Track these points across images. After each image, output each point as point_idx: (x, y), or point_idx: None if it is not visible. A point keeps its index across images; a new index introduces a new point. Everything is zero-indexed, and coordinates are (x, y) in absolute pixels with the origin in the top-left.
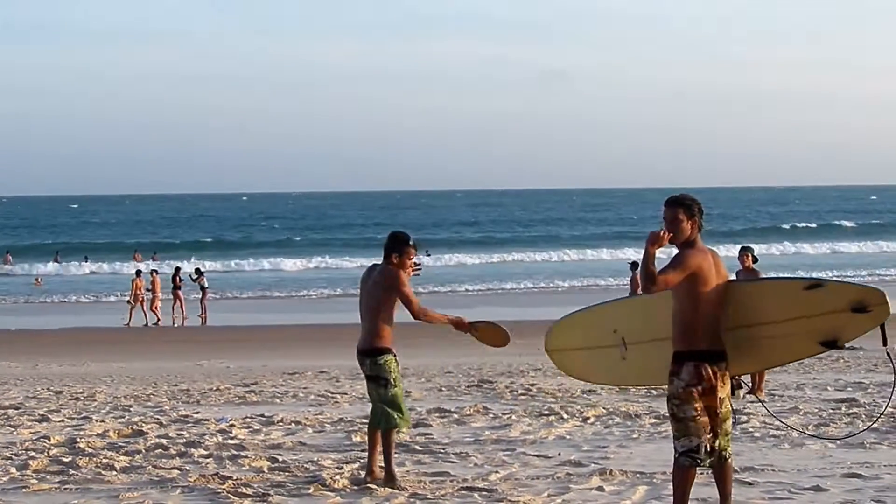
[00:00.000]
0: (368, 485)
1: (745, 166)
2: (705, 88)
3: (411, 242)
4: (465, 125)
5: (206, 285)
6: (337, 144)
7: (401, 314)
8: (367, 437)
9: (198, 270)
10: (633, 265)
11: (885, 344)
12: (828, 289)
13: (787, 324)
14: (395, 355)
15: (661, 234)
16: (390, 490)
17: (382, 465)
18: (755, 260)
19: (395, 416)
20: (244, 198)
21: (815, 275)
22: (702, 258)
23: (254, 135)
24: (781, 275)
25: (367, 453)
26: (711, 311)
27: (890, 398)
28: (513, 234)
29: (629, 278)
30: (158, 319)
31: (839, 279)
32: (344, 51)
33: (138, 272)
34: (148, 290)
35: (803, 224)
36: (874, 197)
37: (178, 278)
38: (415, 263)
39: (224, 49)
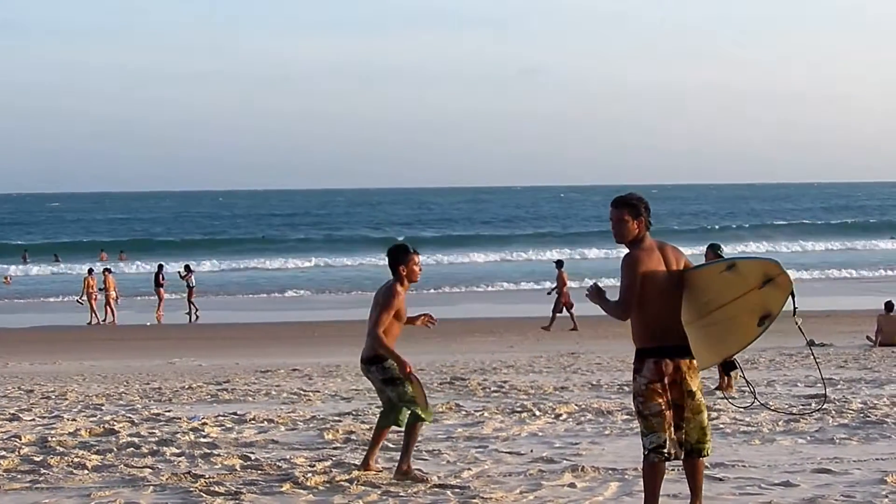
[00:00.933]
0: (360, 475)
1: (716, 163)
2: (676, 85)
3: (412, 250)
4: (434, 120)
5: (194, 284)
6: (303, 141)
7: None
8: (368, 434)
9: (187, 267)
10: (559, 263)
11: (794, 312)
12: (740, 267)
13: (731, 305)
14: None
15: (590, 291)
16: (364, 485)
17: (381, 461)
18: (719, 256)
19: (420, 410)
20: (220, 198)
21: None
22: (646, 257)
23: (231, 132)
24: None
25: (336, 449)
26: (665, 307)
27: (818, 370)
28: (475, 233)
29: (556, 276)
30: (108, 317)
31: (743, 255)
32: (313, 46)
33: (90, 270)
34: (101, 288)
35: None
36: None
37: (161, 276)
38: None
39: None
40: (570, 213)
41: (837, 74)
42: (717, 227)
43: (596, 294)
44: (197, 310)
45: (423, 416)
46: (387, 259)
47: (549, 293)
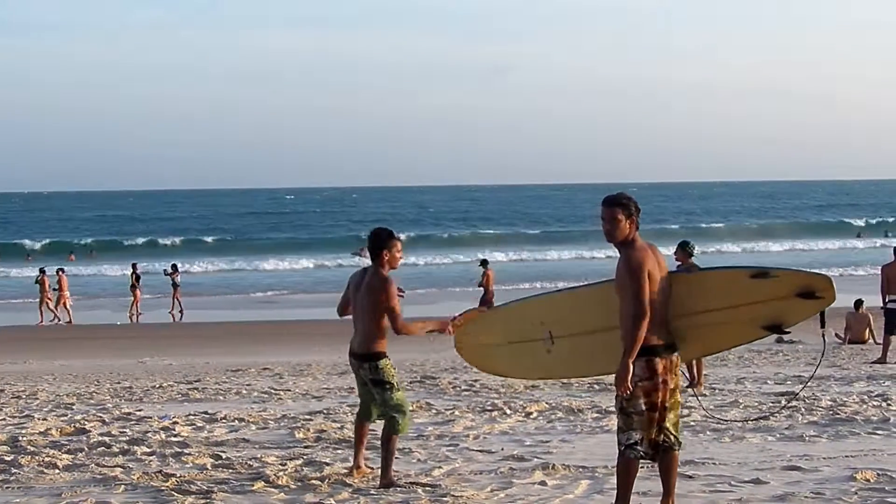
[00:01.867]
0: (352, 479)
1: (687, 161)
2: (648, 83)
3: (396, 235)
4: (405, 119)
5: (179, 282)
6: (274, 139)
7: None
8: (351, 433)
9: (174, 266)
10: (484, 262)
11: (822, 326)
12: (777, 277)
13: (730, 311)
14: (389, 358)
15: (623, 381)
16: (334, 484)
17: (368, 461)
18: (690, 255)
19: (400, 420)
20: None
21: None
22: (644, 256)
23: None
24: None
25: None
26: (658, 306)
27: (815, 368)
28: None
29: (482, 273)
30: (58, 318)
31: (786, 267)
32: (283, 42)
33: (42, 270)
34: (55, 289)
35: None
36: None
37: (134, 276)
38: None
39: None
40: (539, 210)
41: (819, 74)
42: (702, 224)
43: (625, 370)
44: (182, 308)
45: (402, 426)
46: (368, 243)
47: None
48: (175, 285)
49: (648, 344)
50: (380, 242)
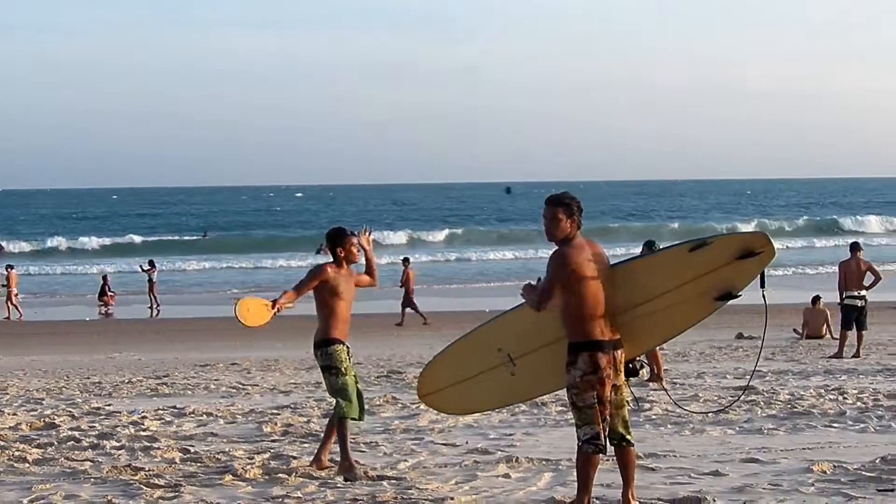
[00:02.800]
0: (311, 471)
1: (655, 160)
2: (616, 84)
3: (349, 232)
4: (373, 118)
5: (155, 278)
6: (240, 137)
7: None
8: (318, 427)
9: (150, 262)
10: (405, 260)
11: (762, 286)
12: (713, 245)
13: (680, 290)
14: (346, 346)
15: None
16: (301, 477)
17: (332, 455)
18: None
19: (344, 405)
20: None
21: None
22: (576, 254)
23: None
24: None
25: (274, 442)
26: (598, 301)
27: (762, 338)
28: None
29: (402, 271)
30: (9, 315)
31: (719, 234)
32: (253, 43)
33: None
34: (3, 285)
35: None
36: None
37: (106, 287)
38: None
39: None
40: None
41: (773, 75)
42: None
43: (528, 291)
44: (158, 304)
45: (346, 410)
46: (325, 241)
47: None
48: (151, 281)
49: (593, 338)
50: (333, 240)
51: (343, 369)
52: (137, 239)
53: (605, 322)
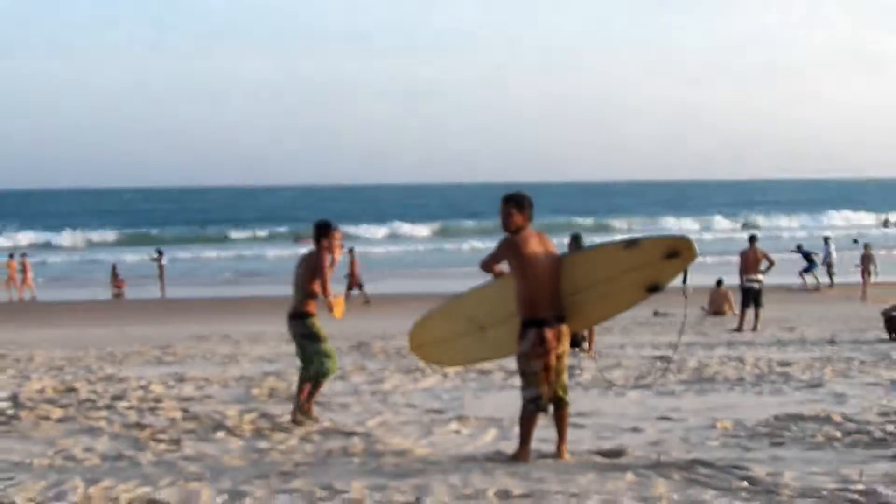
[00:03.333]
0: (300, 422)
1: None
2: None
3: (334, 226)
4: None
5: (164, 263)
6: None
7: None
8: (264, 389)
9: (158, 251)
10: (350, 250)
11: (685, 281)
12: (644, 245)
13: (616, 279)
14: (318, 317)
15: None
16: (284, 432)
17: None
18: (580, 245)
19: (327, 363)
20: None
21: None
22: (523, 243)
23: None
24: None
25: (261, 403)
26: (545, 284)
27: (682, 327)
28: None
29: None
30: (22, 297)
31: (650, 235)
32: (230, 63)
33: (11, 255)
34: (20, 271)
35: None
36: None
37: (115, 275)
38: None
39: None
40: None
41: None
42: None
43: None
44: (164, 286)
45: (330, 367)
46: (313, 231)
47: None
48: (161, 266)
49: (539, 316)
50: (321, 232)
51: (323, 336)
52: (153, 231)
53: (550, 302)
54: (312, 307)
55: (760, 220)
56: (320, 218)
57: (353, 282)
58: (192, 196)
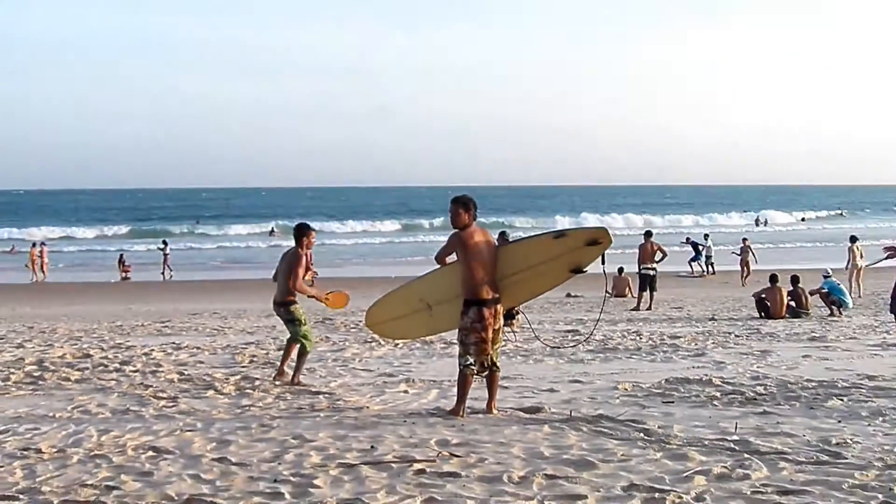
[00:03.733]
0: (275, 381)
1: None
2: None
3: (312, 228)
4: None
5: (168, 252)
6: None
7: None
8: (274, 358)
9: (164, 242)
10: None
11: (603, 263)
12: (570, 235)
13: (546, 264)
14: (298, 304)
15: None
16: (262, 392)
17: (289, 370)
18: (507, 240)
19: (306, 344)
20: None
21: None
22: (469, 237)
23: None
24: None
25: (244, 368)
26: (485, 270)
27: (601, 309)
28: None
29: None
30: (37, 279)
31: (575, 227)
32: (197, 87)
33: (34, 244)
34: (38, 255)
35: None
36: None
37: (122, 261)
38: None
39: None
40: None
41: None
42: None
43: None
44: (171, 271)
45: (307, 347)
46: (293, 232)
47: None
48: (165, 255)
49: (480, 297)
50: (300, 232)
51: (302, 320)
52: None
53: (489, 285)
54: (293, 296)
55: (657, 219)
56: (299, 221)
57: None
58: (189, 195)
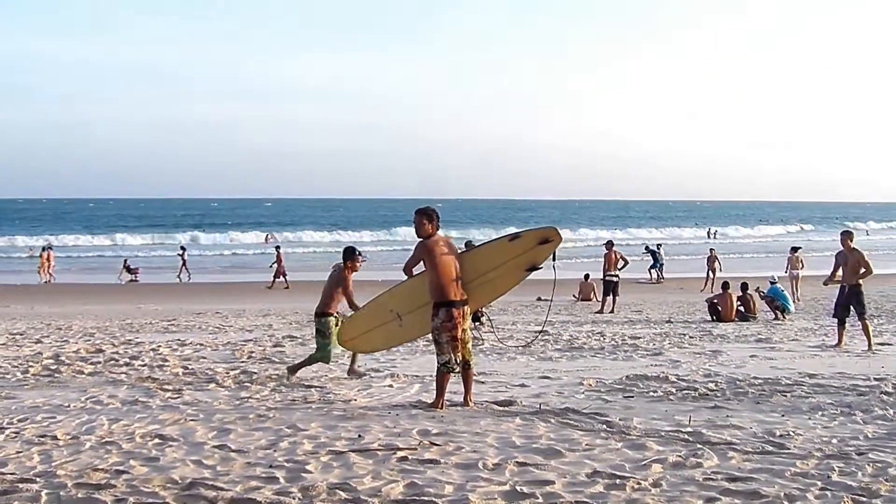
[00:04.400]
0: (282, 379)
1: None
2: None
3: (358, 252)
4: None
5: (186, 258)
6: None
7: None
8: (270, 354)
9: (182, 248)
10: (277, 247)
11: (553, 259)
12: (523, 237)
13: (504, 266)
14: (336, 317)
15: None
16: (260, 385)
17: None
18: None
19: (322, 358)
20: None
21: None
22: (434, 245)
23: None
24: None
25: (270, 363)
26: (451, 275)
27: (551, 298)
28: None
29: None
30: (47, 279)
31: (527, 229)
32: (217, 110)
33: (43, 248)
34: (47, 259)
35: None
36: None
37: (127, 265)
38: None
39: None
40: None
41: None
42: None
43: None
44: (189, 274)
45: (322, 360)
46: (343, 254)
47: (270, 266)
48: (184, 259)
49: (449, 299)
50: (348, 256)
51: (329, 334)
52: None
53: (456, 288)
54: (332, 309)
55: (618, 233)
56: (348, 245)
57: (279, 272)
58: (195, 205)
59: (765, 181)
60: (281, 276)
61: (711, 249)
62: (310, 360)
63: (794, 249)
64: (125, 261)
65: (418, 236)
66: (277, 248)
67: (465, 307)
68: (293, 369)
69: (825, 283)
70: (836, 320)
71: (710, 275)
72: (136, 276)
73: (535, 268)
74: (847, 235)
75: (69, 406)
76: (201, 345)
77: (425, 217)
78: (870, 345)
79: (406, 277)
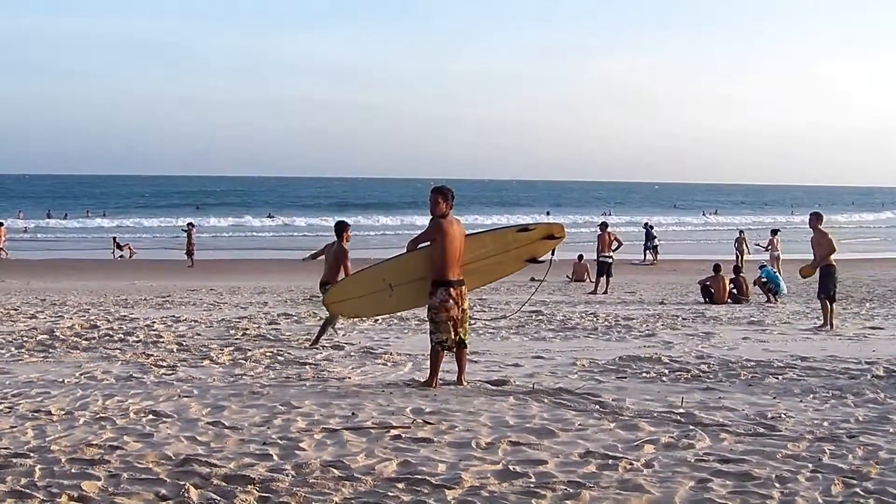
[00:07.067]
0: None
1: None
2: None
3: (350, 224)
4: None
5: (194, 233)
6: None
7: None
8: (265, 331)
9: (190, 224)
10: (189, 225)
11: (552, 254)
12: (533, 230)
13: (507, 253)
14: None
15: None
16: (254, 362)
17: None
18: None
19: (330, 321)
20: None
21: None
22: (446, 224)
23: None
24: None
25: (266, 342)
26: (453, 255)
27: (536, 290)
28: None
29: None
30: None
31: (537, 223)
32: (222, 93)
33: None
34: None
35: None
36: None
37: (116, 242)
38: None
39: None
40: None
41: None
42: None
43: (410, 241)
44: (194, 251)
45: (332, 323)
46: (335, 227)
47: None
48: (190, 236)
49: (448, 279)
50: (342, 227)
51: None
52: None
53: (456, 268)
54: (335, 279)
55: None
56: (342, 220)
57: (189, 250)
58: (191, 182)
59: None
60: (188, 255)
61: (741, 231)
62: (323, 328)
63: (774, 232)
64: (114, 238)
65: (432, 214)
66: (190, 224)
67: (463, 287)
68: (314, 342)
69: (812, 269)
70: (821, 300)
71: (739, 256)
72: (126, 252)
73: (534, 260)
74: (816, 217)
75: (63, 381)
76: (196, 321)
77: (441, 196)
78: (825, 324)
79: (406, 251)
